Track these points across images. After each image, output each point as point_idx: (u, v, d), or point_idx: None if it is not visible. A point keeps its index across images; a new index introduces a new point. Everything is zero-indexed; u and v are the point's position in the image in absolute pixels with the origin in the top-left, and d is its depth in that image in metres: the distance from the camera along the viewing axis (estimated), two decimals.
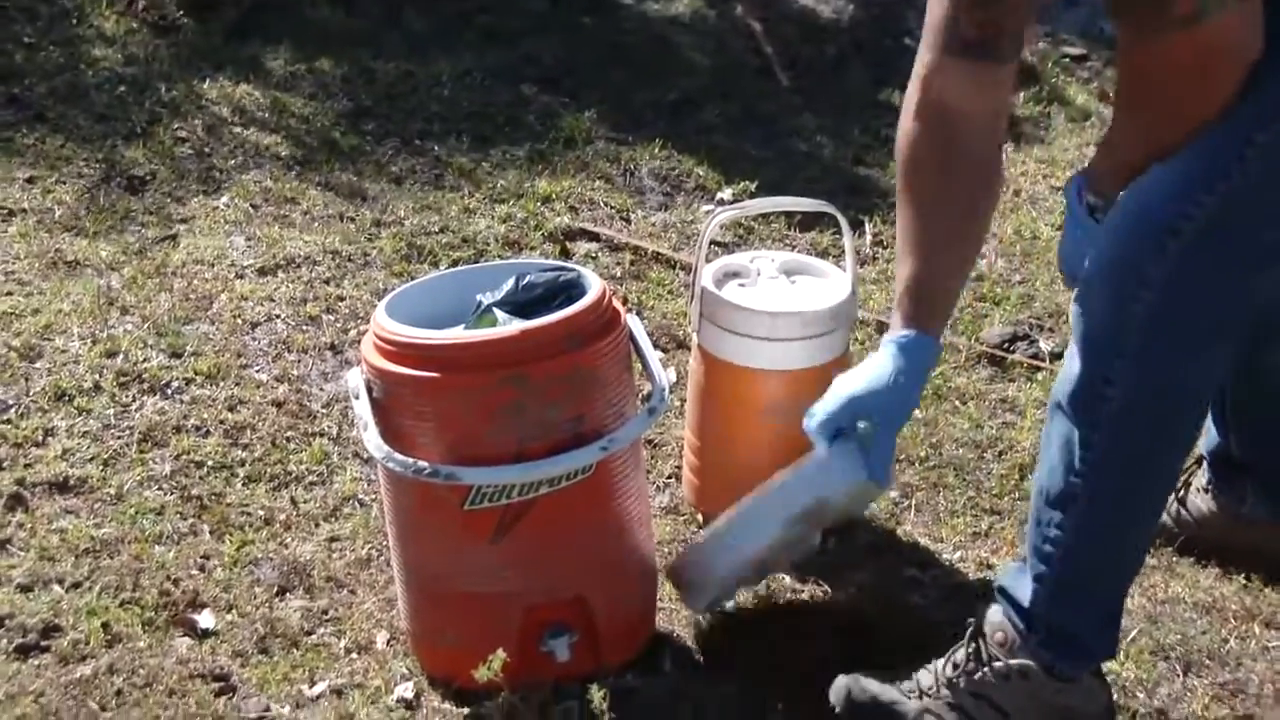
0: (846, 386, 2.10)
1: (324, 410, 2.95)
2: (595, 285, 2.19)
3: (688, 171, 4.05)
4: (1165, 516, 2.58)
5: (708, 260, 2.62)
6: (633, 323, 2.26)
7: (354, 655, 2.33)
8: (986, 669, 2.19)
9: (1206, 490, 2.61)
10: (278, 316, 3.24)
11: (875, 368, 2.08)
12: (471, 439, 2.11)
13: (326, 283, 3.38)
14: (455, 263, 3.48)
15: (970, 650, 2.22)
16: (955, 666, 2.22)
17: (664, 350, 3.23)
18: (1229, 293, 2.02)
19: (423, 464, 2.10)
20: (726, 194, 3.94)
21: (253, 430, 2.86)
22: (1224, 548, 2.57)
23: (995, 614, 2.22)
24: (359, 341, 2.23)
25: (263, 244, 3.51)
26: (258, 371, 3.05)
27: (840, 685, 2.24)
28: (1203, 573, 2.59)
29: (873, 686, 2.23)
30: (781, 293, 2.57)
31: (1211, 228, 1.97)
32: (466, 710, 2.18)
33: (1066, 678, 2.18)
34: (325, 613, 2.42)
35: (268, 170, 3.86)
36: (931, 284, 2.09)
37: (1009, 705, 2.19)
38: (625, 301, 3.37)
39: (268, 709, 2.20)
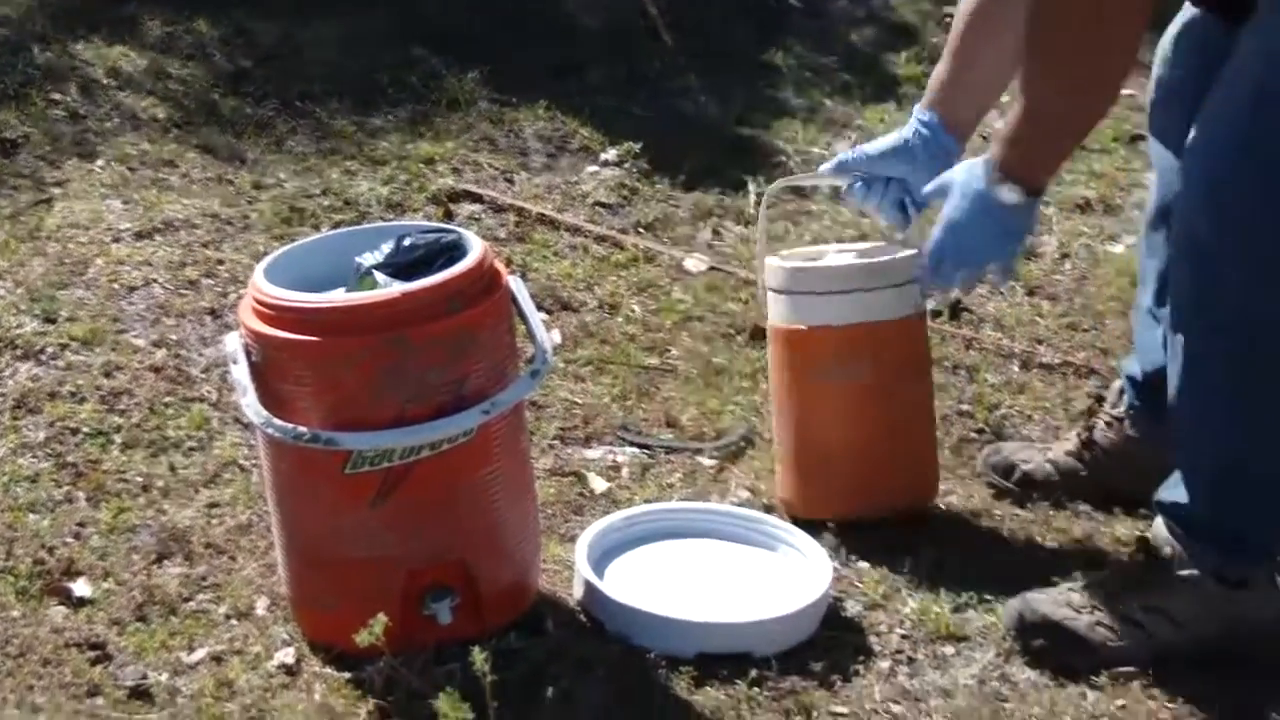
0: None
1: (203, 375, 2.91)
2: (476, 247, 2.18)
3: (572, 133, 4.04)
4: (1072, 460, 2.64)
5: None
6: (515, 284, 2.25)
7: (234, 621, 2.30)
8: (1156, 582, 2.26)
9: (1120, 421, 2.65)
10: (155, 281, 3.19)
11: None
12: (351, 403, 2.09)
13: (205, 246, 3.34)
14: (337, 226, 3.45)
15: (1139, 564, 2.29)
16: (1125, 580, 2.29)
17: (548, 312, 3.22)
18: None
19: (302, 429, 2.08)
20: (610, 154, 3.93)
21: (130, 396, 2.82)
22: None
23: (1159, 527, 2.29)
24: (239, 303, 2.20)
25: (140, 207, 3.46)
26: (135, 337, 3.01)
27: (1011, 607, 2.32)
28: None
29: (1043, 605, 2.30)
30: (844, 257, 2.59)
31: None
32: (348, 675, 2.17)
33: (1238, 582, 2.24)
34: (204, 579, 2.39)
35: (145, 133, 3.80)
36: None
37: (1182, 616, 2.25)
38: (508, 263, 3.36)
39: (145, 677, 2.17)
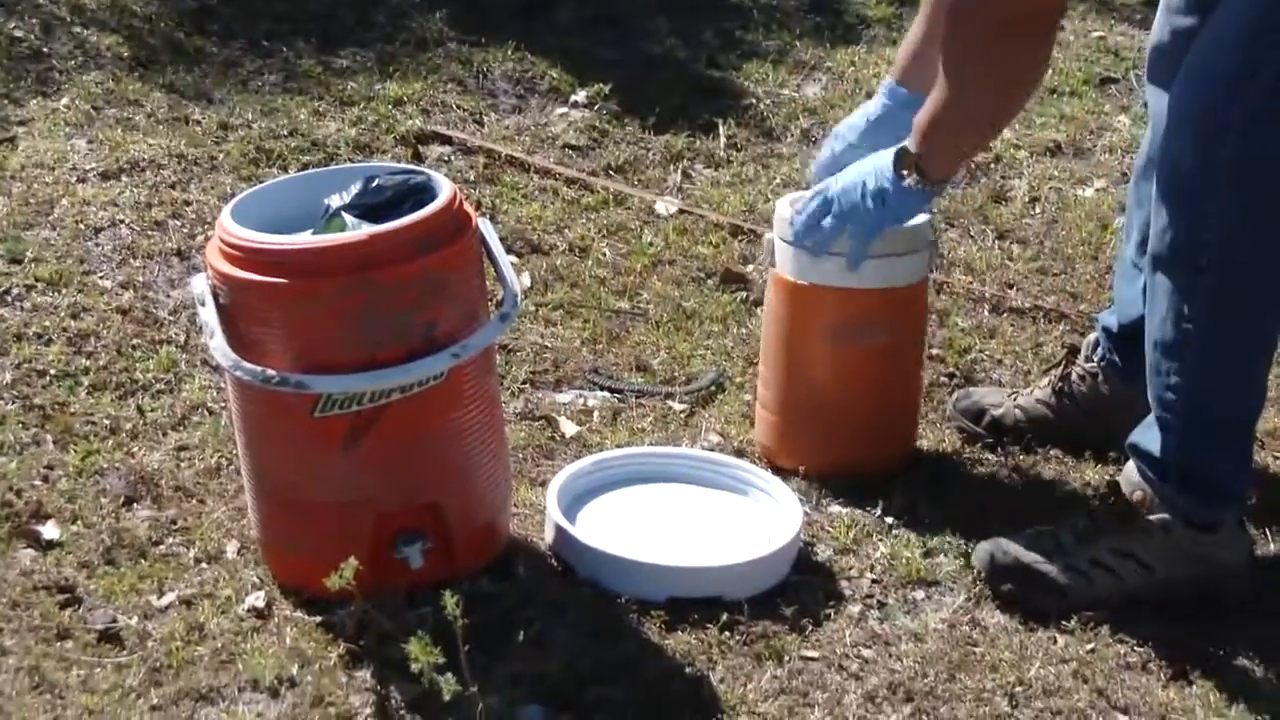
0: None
1: (171, 317, 2.89)
2: (446, 189, 2.16)
3: (541, 74, 4.01)
4: (1043, 408, 2.65)
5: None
6: (484, 227, 2.23)
7: (203, 565, 2.29)
8: (1127, 526, 2.28)
9: (1094, 375, 2.66)
10: (122, 221, 3.16)
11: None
12: (321, 345, 2.08)
13: (172, 187, 3.31)
14: (305, 167, 3.42)
15: (1110, 509, 2.31)
16: (1095, 525, 2.31)
17: (517, 255, 3.21)
18: None
19: (271, 372, 2.06)
20: (580, 96, 3.91)
21: (97, 338, 2.80)
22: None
23: (1131, 472, 2.31)
24: (207, 245, 2.19)
25: (105, 147, 3.42)
26: (101, 278, 2.98)
27: (983, 550, 2.33)
28: None
29: (1014, 548, 2.31)
30: None
31: None
32: (319, 619, 2.16)
33: (1207, 526, 2.26)
34: (174, 522, 2.38)
35: (109, 71, 3.76)
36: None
37: (1151, 560, 2.27)
38: (477, 206, 3.34)
39: (115, 620, 2.16)
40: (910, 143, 2.30)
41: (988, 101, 2.25)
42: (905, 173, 2.30)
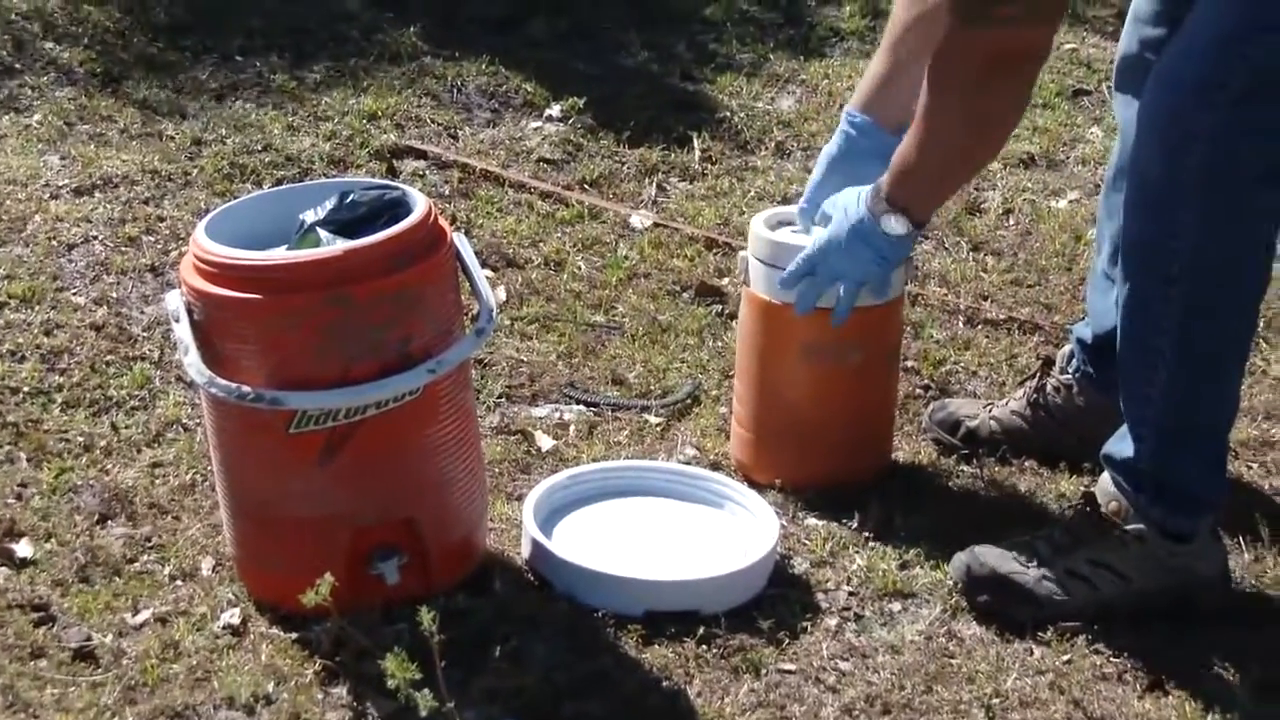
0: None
1: (145, 334, 2.88)
2: (420, 203, 2.16)
3: (515, 88, 4.01)
4: (1018, 420, 2.65)
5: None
6: (459, 241, 2.23)
7: (178, 582, 2.28)
8: (1102, 537, 2.28)
9: (1069, 387, 2.67)
10: (95, 238, 3.16)
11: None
12: (296, 362, 2.08)
13: (146, 203, 3.30)
14: (279, 182, 3.42)
15: (1085, 520, 2.30)
16: (1071, 536, 2.30)
17: (493, 269, 3.21)
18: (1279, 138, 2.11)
19: (246, 389, 2.06)
20: (554, 110, 3.91)
21: (70, 355, 2.79)
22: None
23: (1105, 483, 2.31)
24: (181, 261, 2.18)
25: (78, 163, 3.42)
26: (75, 294, 2.97)
27: (959, 561, 2.33)
28: None
29: (991, 558, 2.31)
30: None
31: (1257, 78, 2.05)
32: (294, 635, 2.16)
33: (1182, 535, 2.26)
34: (148, 540, 2.37)
35: (81, 87, 3.75)
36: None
37: (1127, 570, 2.27)
38: (452, 220, 3.34)
39: (89, 638, 2.15)
40: (887, 186, 2.29)
41: (969, 143, 2.25)
42: (892, 219, 2.29)
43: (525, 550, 2.36)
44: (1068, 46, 4.60)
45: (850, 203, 2.34)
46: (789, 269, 2.42)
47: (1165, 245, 2.15)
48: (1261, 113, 2.07)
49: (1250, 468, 2.73)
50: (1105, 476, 2.31)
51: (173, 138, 3.58)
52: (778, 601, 2.31)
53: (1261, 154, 2.10)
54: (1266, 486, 2.68)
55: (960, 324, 3.16)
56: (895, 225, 2.30)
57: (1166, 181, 2.13)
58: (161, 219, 3.25)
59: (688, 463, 2.63)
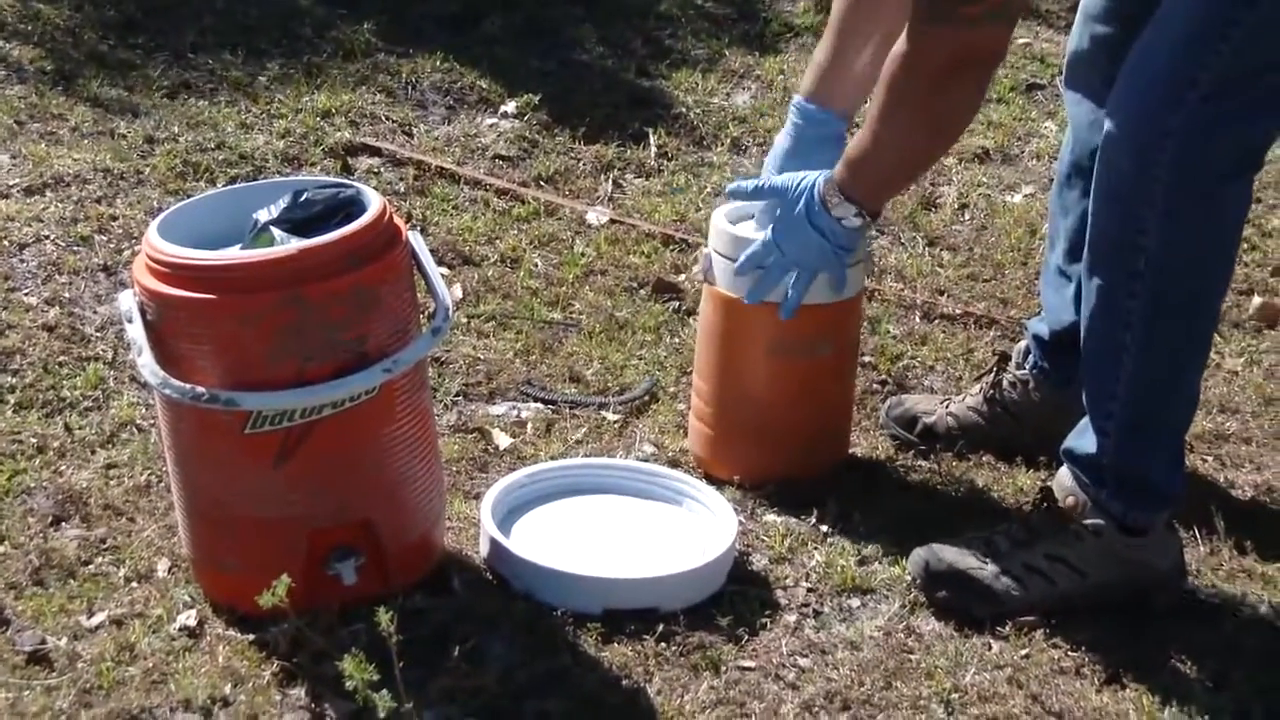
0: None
1: (98, 334, 2.86)
2: (375, 202, 2.15)
3: (470, 84, 4.00)
4: (975, 416, 2.66)
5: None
6: (415, 240, 2.22)
7: (134, 584, 2.27)
8: (1059, 532, 2.29)
9: (1025, 383, 2.67)
10: (47, 237, 3.13)
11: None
12: (251, 362, 2.06)
13: (98, 202, 3.28)
14: (233, 180, 3.40)
15: (1042, 515, 2.31)
16: (1028, 531, 2.31)
17: (449, 267, 3.20)
18: (1249, 134, 2.13)
19: (200, 390, 2.04)
20: (509, 106, 3.90)
21: (23, 355, 2.76)
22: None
23: (1064, 477, 2.31)
24: (134, 261, 2.16)
25: (29, 162, 3.39)
26: (27, 295, 2.95)
27: (917, 557, 2.33)
28: None
29: (949, 554, 2.31)
30: None
31: (1227, 75, 2.07)
32: (251, 637, 2.14)
33: (1139, 529, 2.28)
34: (103, 541, 2.35)
35: (32, 85, 3.72)
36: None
37: (1084, 565, 2.28)
38: (408, 218, 3.33)
39: (44, 641, 2.14)
40: (839, 177, 2.31)
41: (924, 139, 2.28)
42: (845, 209, 2.31)
43: (483, 549, 2.36)
44: (1021, 41, 4.62)
45: (804, 190, 2.35)
46: (742, 256, 2.43)
47: (1133, 241, 2.16)
48: (1231, 109, 2.08)
49: (1205, 460, 2.74)
50: (1063, 471, 2.32)
51: (125, 136, 3.55)
52: (737, 598, 2.31)
53: (1230, 151, 2.12)
54: (1221, 480, 2.70)
55: (917, 319, 3.17)
56: (847, 216, 2.31)
57: (1135, 178, 2.13)
58: (114, 218, 3.22)
59: (646, 460, 2.62)
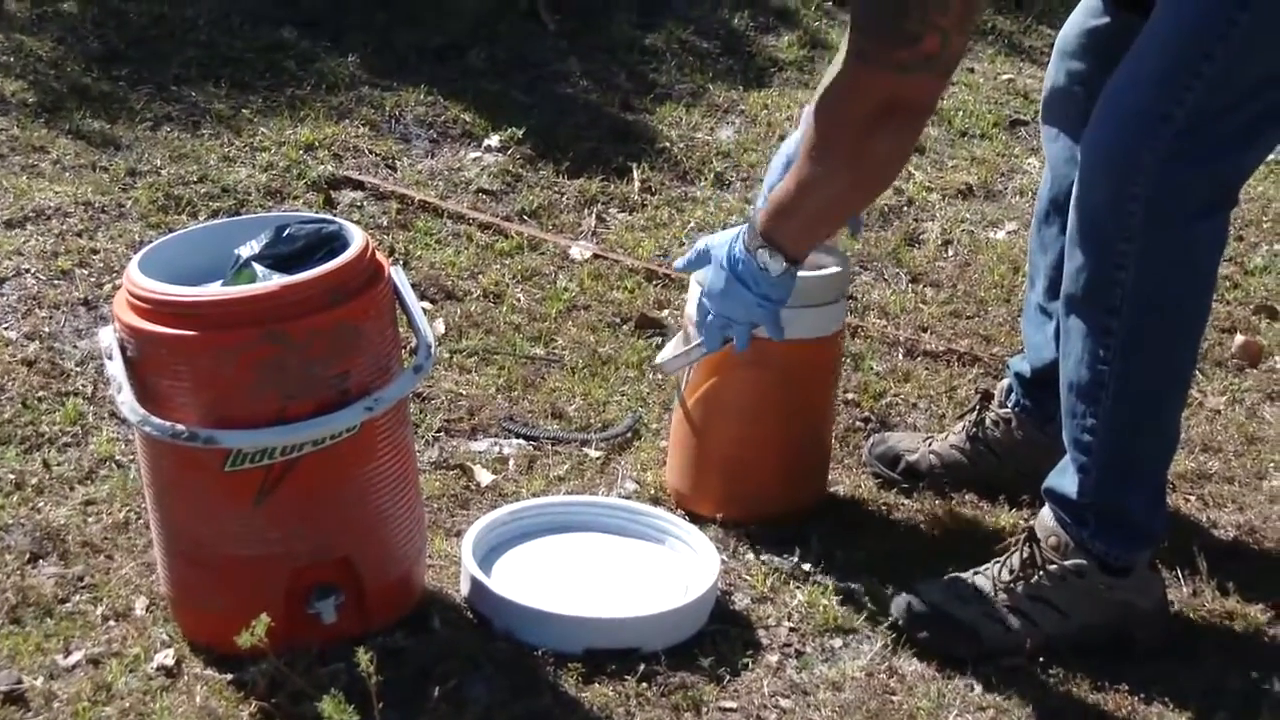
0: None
1: (78, 369, 2.84)
2: (358, 238, 2.14)
3: (454, 118, 4.00)
4: (957, 454, 2.65)
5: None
6: (397, 275, 2.21)
7: (111, 623, 2.25)
8: (1042, 572, 2.28)
9: (1008, 421, 2.67)
10: (27, 271, 3.12)
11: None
12: (231, 399, 2.05)
13: (79, 235, 3.26)
14: (215, 214, 3.39)
15: (1025, 555, 2.30)
16: (1011, 571, 2.31)
17: (431, 301, 3.19)
18: (1223, 169, 2.13)
19: (180, 427, 2.03)
20: (493, 140, 3.90)
21: (1, 390, 2.75)
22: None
23: (1046, 517, 2.31)
24: (114, 297, 2.15)
25: (10, 195, 3.37)
26: (6, 329, 2.93)
27: (900, 597, 2.32)
28: None
29: (931, 596, 2.31)
30: None
31: (1202, 110, 2.07)
32: (229, 677, 2.13)
33: (1121, 569, 2.27)
34: (81, 579, 2.33)
35: (14, 118, 3.71)
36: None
37: (1067, 605, 2.28)
38: (390, 252, 3.32)
39: (20, 681, 2.12)
40: (762, 224, 2.22)
41: (849, 188, 2.19)
42: (769, 256, 2.23)
43: (464, 588, 2.34)
44: (1004, 77, 4.63)
45: (728, 244, 2.29)
46: (691, 309, 2.41)
47: (1109, 277, 2.16)
48: (1206, 144, 2.08)
49: (1187, 499, 2.74)
50: (1045, 511, 2.32)
51: (107, 169, 3.54)
52: (719, 638, 2.29)
53: (1205, 186, 2.12)
54: (1204, 519, 2.70)
55: (900, 356, 3.16)
56: (771, 262, 2.23)
57: (1111, 213, 2.13)
58: (95, 251, 3.21)
59: (628, 497, 2.61)
